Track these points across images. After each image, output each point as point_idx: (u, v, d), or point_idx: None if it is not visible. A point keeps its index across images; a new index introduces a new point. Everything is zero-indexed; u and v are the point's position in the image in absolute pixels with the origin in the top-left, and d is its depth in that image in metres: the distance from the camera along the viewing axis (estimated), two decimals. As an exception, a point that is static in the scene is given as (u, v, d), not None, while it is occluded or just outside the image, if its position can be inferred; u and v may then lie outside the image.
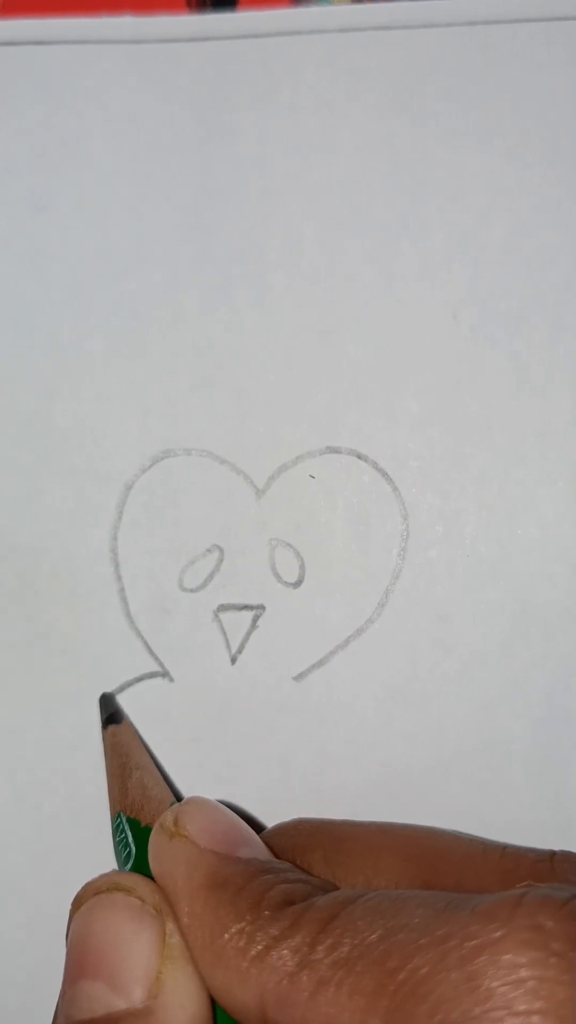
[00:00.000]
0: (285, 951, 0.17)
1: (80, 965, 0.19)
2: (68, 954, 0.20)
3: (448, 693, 0.28)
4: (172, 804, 0.22)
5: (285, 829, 0.25)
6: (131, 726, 0.27)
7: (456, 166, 0.28)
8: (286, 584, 0.28)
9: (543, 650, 0.27)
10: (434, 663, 0.28)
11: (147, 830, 0.22)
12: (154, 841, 0.20)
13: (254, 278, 0.28)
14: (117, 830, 0.23)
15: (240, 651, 0.28)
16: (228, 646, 0.28)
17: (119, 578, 0.28)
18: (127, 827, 0.22)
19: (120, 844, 0.22)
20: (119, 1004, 0.18)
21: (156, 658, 0.28)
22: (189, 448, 0.28)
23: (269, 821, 0.28)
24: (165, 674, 0.28)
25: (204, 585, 0.28)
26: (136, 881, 0.20)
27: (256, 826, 0.24)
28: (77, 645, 0.28)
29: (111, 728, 0.26)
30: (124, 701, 0.28)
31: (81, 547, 0.28)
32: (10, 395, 0.29)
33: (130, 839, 0.22)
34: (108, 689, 0.28)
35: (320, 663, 0.28)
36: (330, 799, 0.28)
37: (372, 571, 0.28)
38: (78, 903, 0.20)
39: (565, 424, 0.27)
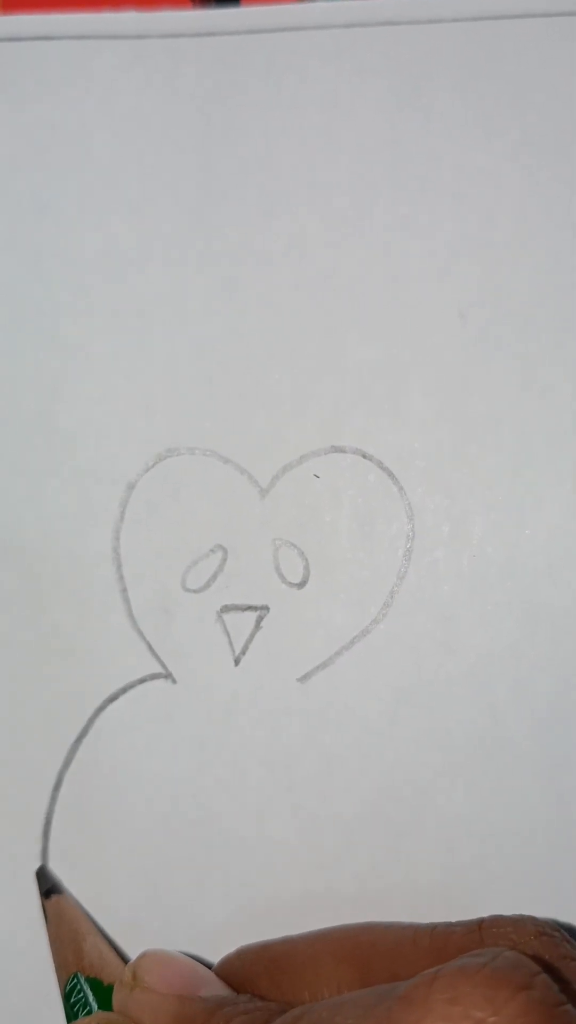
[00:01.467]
0: None
1: None
2: None
3: (454, 695, 0.27)
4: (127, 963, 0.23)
5: (230, 961, 0.25)
6: (71, 896, 0.27)
7: (463, 163, 0.28)
8: (290, 585, 0.28)
9: (550, 652, 0.27)
10: (439, 665, 0.27)
11: (109, 988, 0.23)
12: (118, 996, 0.22)
13: (258, 276, 0.28)
14: (73, 991, 0.24)
15: (244, 652, 0.28)
16: (232, 647, 0.28)
17: (121, 578, 0.28)
18: (86, 987, 0.24)
19: (78, 1004, 0.24)
20: None
21: (159, 659, 0.28)
22: (192, 447, 0.28)
23: (273, 826, 0.27)
24: (168, 675, 0.28)
25: (207, 585, 0.28)
26: (121, 1019, 0.21)
27: (208, 964, 0.25)
28: (79, 646, 0.28)
29: (55, 898, 0.27)
30: (126, 703, 0.28)
31: (83, 547, 0.28)
32: (12, 394, 0.28)
33: (91, 998, 0.23)
34: (111, 691, 0.28)
35: (325, 664, 0.28)
36: (334, 802, 0.27)
37: (377, 572, 0.28)
38: None
39: (573, 425, 0.27)
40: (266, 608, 0.28)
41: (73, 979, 0.24)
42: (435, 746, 0.27)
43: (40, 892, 0.27)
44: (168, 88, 0.28)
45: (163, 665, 0.28)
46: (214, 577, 0.28)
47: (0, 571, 0.28)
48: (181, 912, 0.28)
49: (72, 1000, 0.24)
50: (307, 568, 0.28)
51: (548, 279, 0.28)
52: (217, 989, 0.22)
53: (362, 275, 0.28)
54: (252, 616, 0.28)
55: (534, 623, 0.27)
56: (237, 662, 0.28)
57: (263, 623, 0.28)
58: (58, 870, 0.28)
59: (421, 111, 0.28)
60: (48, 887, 0.27)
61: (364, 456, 0.28)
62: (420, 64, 0.28)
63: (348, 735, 0.28)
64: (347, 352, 0.28)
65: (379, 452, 0.28)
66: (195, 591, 0.28)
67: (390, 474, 0.28)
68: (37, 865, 0.28)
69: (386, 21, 0.28)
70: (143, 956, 0.23)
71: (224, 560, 0.28)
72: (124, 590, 0.28)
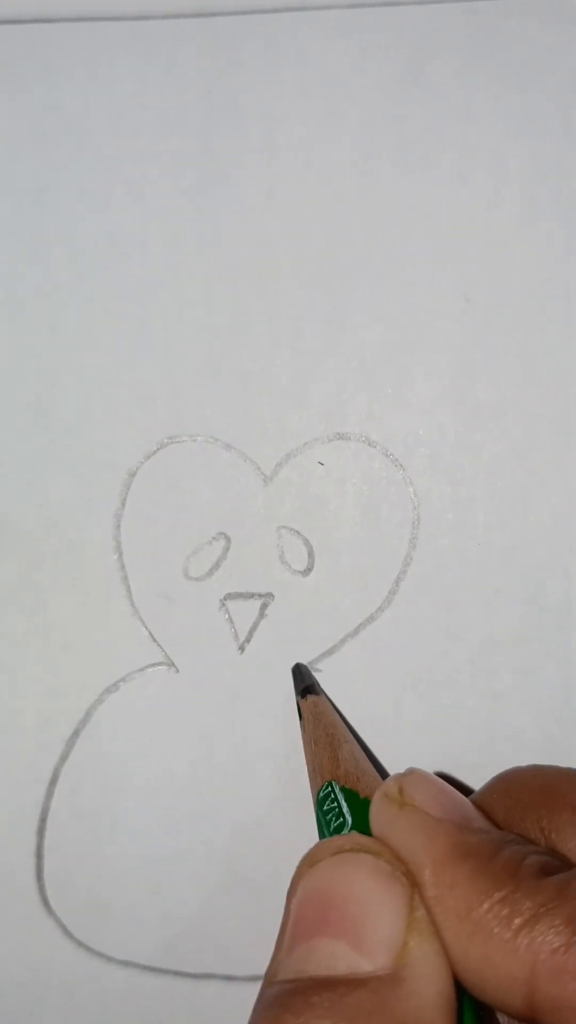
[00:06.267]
0: (558, 920, 0.16)
1: (318, 921, 0.18)
2: (300, 908, 0.18)
3: (458, 682, 0.27)
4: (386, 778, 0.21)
5: (493, 789, 0.22)
6: (329, 699, 0.26)
7: (467, 144, 0.28)
8: (295, 572, 0.27)
9: (555, 639, 0.27)
10: (444, 652, 0.27)
11: (365, 802, 0.21)
12: (381, 811, 0.19)
13: (259, 259, 0.28)
14: (326, 799, 0.22)
15: (248, 640, 0.28)
16: (236, 635, 0.28)
17: (123, 567, 0.28)
18: (341, 797, 0.22)
19: (331, 814, 0.22)
20: (364, 966, 0.17)
21: (161, 648, 0.28)
22: (194, 434, 0.28)
23: (277, 816, 0.27)
24: (170, 664, 0.28)
25: (210, 574, 0.28)
26: (382, 847, 0.18)
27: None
28: (78, 636, 0.28)
29: (311, 698, 0.25)
30: (127, 693, 0.28)
31: (84, 536, 0.28)
32: (12, 381, 0.28)
33: (345, 808, 0.21)
34: (111, 681, 0.28)
35: (329, 652, 0.27)
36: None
37: (382, 559, 0.27)
38: (313, 859, 0.19)
39: (580, 409, 0.27)
40: (270, 595, 0.27)
41: (327, 787, 0.22)
42: (439, 733, 0.27)
43: (296, 690, 0.25)
44: (168, 69, 0.28)
45: (165, 653, 0.28)
46: (217, 565, 0.28)
47: None
48: (183, 907, 0.27)
49: (325, 808, 0.22)
50: (311, 555, 0.27)
51: (555, 261, 0.27)
52: (482, 823, 0.19)
53: (365, 258, 0.28)
54: (256, 604, 0.27)
55: (539, 610, 0.27)
56: (241, 650, 0.28)
57: (267, 611, 0.27)
58: (54, 868, 0.28)
59: (424, 91, 0.28)
60: (305, 686, 0.25)
61: (368, 443, 0.27)
62: (423, 43, 0.28)
63: (352, 722, 0.27)
64: (350, 336, 0.28)
65: (383, 438, 0.27)
66: (197, 579, 0.28)
67: (394, 461, 0.27)
68: (32, 862, 0.28)
69: (389, 0, 0.28)
70: (410, 773, 0.20)
71: (227, 548, 0.28)
72: (125, 578, 0.28)
